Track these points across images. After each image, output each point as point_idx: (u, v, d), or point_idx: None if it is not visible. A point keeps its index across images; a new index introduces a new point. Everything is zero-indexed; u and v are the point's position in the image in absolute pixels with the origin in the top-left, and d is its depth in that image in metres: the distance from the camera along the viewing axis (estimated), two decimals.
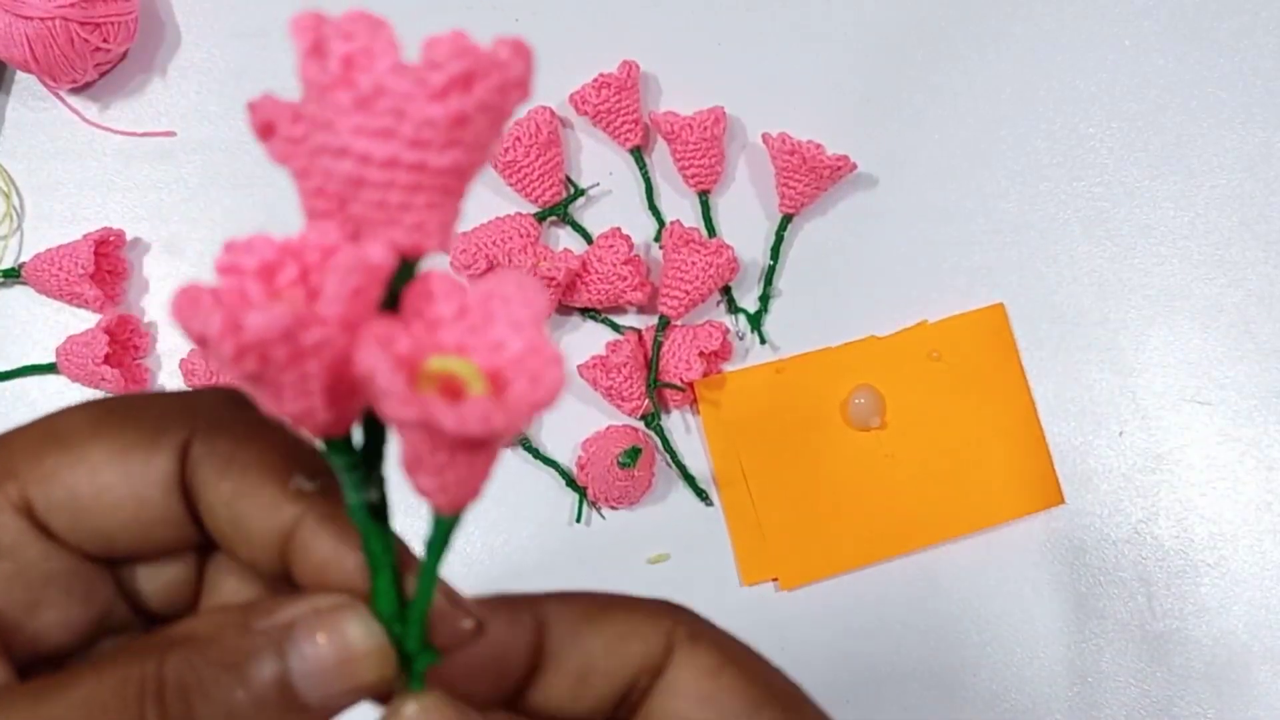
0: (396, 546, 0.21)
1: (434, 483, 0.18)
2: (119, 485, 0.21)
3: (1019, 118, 0.58)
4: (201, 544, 0.23)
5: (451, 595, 0.21)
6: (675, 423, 0.56)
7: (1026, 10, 0.59)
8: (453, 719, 0.20)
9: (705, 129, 0.55)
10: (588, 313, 0.57)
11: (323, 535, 0.21)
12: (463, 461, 0.18)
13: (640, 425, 0.56)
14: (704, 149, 0.56)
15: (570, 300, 0.55)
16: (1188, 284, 0.56)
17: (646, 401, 0.55)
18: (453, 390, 0.17)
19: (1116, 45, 0.58)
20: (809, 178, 0.55)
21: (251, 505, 0.21)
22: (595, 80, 0.56)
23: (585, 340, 0.56)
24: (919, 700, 0.53)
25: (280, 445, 0.22)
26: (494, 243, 0.54)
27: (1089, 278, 0.56)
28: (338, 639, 0.20)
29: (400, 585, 0.20)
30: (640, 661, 0.22)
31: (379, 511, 0.20)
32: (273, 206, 0.58)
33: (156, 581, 0.23)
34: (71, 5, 0.54)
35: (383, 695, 0.21)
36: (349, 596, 0.20)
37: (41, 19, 0.54)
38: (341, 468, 0.20)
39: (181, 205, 0.59)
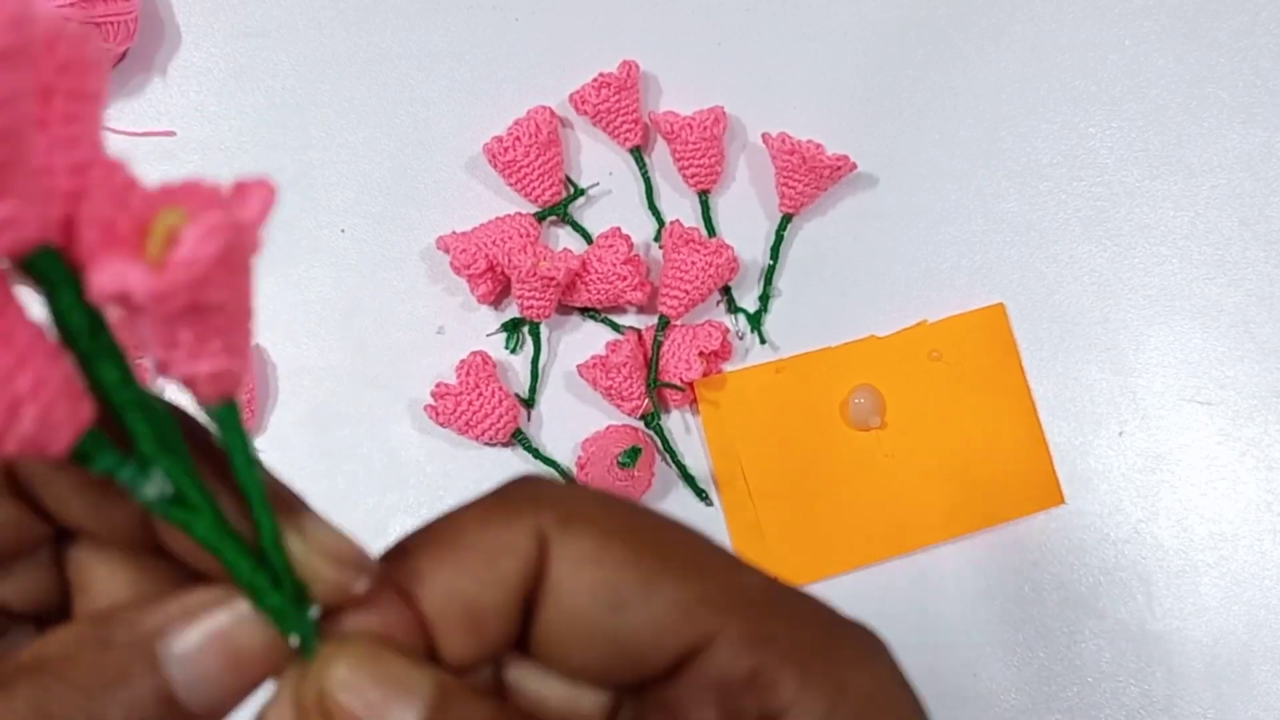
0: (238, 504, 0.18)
1: (192, 354, 0.16)
2: None
3: (1019, 118, 0.58)
4: (56, 534, 0.20)
5: (339, 552, 0.19)
6: (675, 423, 0.56)
7: (1026, 10, 0.59)
8: (379, 675, 0.18)
9: (705, 129, 0.55)
10: (588, 312, 0.57)
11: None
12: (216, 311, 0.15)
13: (640, 425, 0.56)
14: (704, 149, 0.56)
15: (570, 300, 0.55)
16: (1188, 284, 0.56)
17: (646, 401, 0.55)
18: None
19: (1116, 45, 0.58)
20: (809, 178, 0.55)
21: (110, 490, 0.19)
22: (595, 80, 0.56)
23: (585, 340, 0.56)
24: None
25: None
26: (494, 242, 0.54)
27: (1089, 278, 0.56)
28: (219, 638, 0.18)
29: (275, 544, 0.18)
30: (519, 578, 0.19)
31: (190, 483, 0.18)
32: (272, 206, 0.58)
33: (11, 585, 0.20)
34: (71, 5, 0.54)
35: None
36: (224, 588, 0.18)
37: None
38: (110, 470, 0.17)
39: None
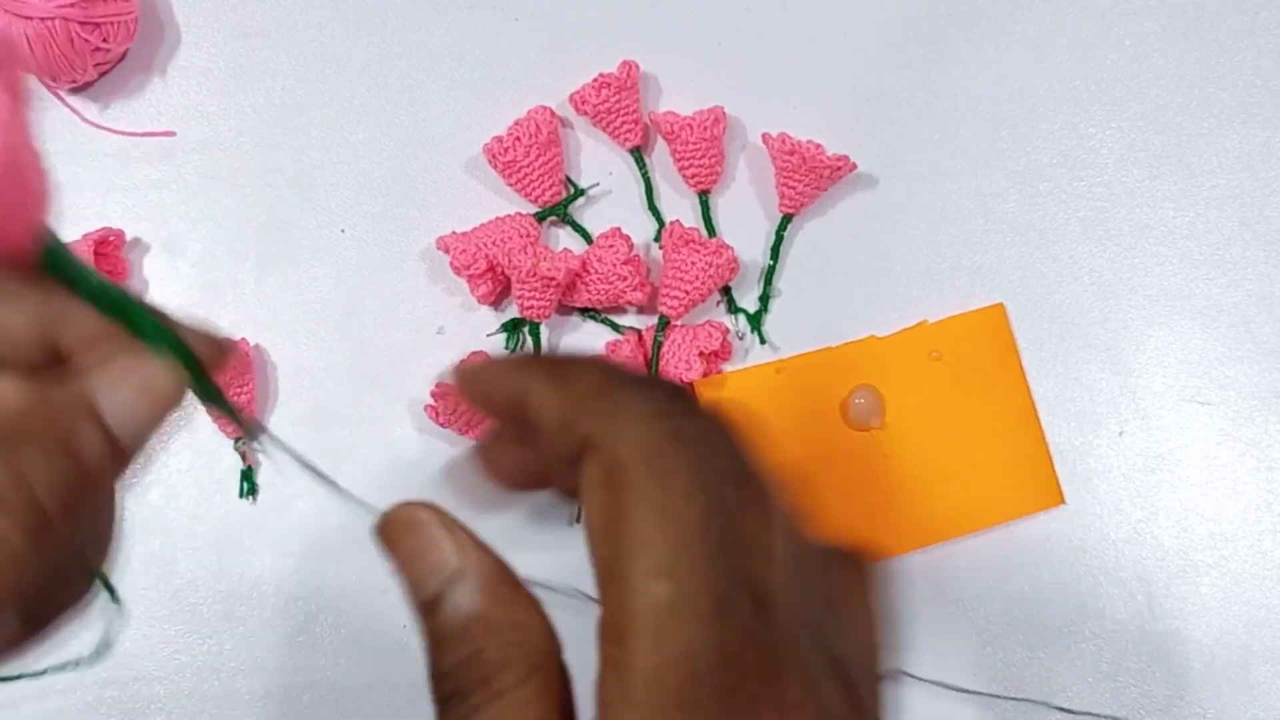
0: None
1: None
2: None
3: (1019, 118, 0.58)
4: None
5: (198, 330, 0.24)
6: None
7: (1026, 10, 0.59)
8: (441, 521, 0.24)
9: (705, 129, 0.55)
10: (588, 313, 0.57)
11: (81, 310, 0.23)
12: None
13: None
14: (704, 149, 0.56)
15: (570, 300, 0.55)
16: (1188, 284, 0.56)
17: None
18: None
19: (1116, 45, 0.58)
20: (809, 178, 0.55)
21: (3, 303, 0.23)
22: (595, 80, 0.56)
23: (585, 340, 0.56)
24: (919, 700, 0.53)
25: None
26: (494, 243, 0.54)
27: (1089, 278, 0.56)
28: (133, 370, 0.22)
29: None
30: (571, 453, 0.23)
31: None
32: (273, 206, 0.58)
33: None
34: (71, 5, 0.54)
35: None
36: (123, 346, 0.23)
37: (41, 19, 0.54)
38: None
39: (181, 205, 0.59)
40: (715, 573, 0.21)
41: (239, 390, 0.55)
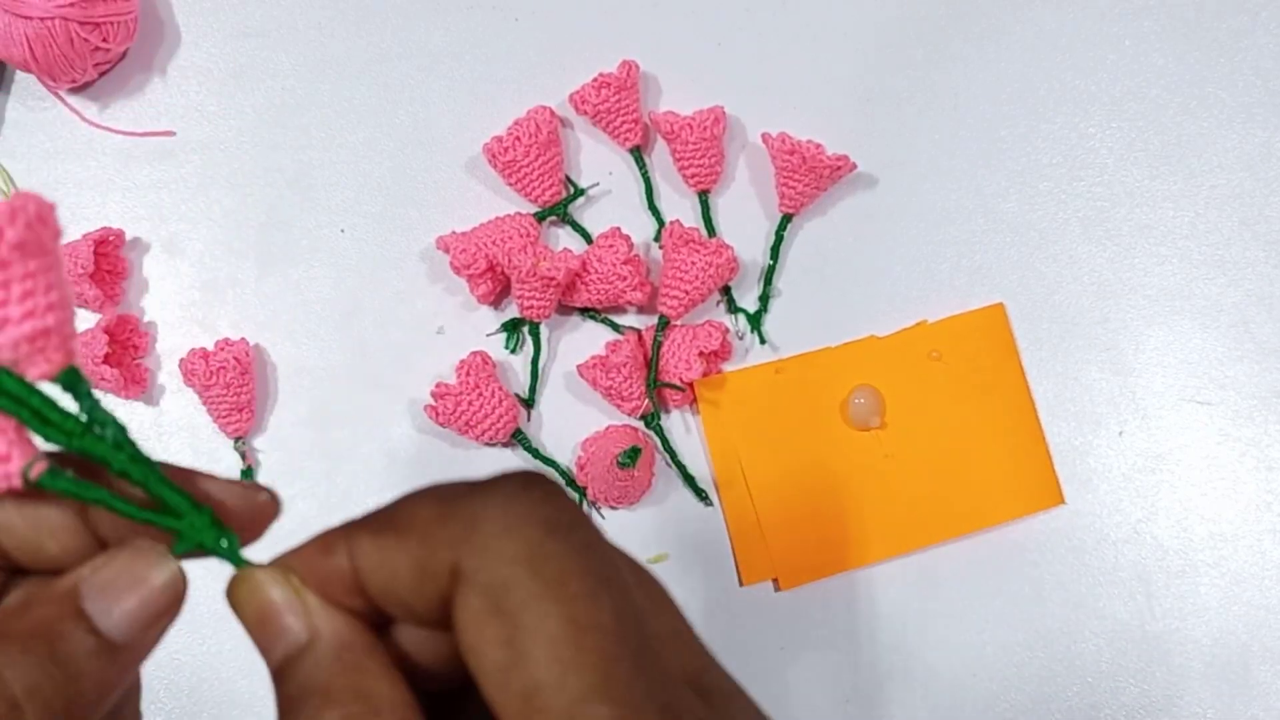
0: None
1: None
2: None
3: (1019, 118, 0.58)
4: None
5: (239, 483, 0.24)
6: (675, 423, 0.56)
7: (1026, 10, 0.59)
8: (287, 586, 0.22)
9: (705, 129, 0.55)
10: (588, 313, 0.57)
11: (65, 523, 0.23)
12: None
13: (640, 425, 0.56)
14: (704, 149, 0.56)
15: (570, 300, 0.55)
16: (1188, 284, 0.56)
17: (646, 401, 0.55)
18: None
19: (1116, 45, 0.58)
20: (809, 178, 0.55)
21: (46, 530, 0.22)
22: (595, 80, 0.56)
23: (585, 340, 0.56)
24: (919, 700, 0.53)
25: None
26: (493, 242, 0.54)
27: (1089, 278, 0.56)
28: (123, 571, 0.22)
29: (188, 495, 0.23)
30: (438, 599, 0.21)
31: (121, 445, 0.22)
32: (272, 206, 0.58)
33: None
34: (71, 5, 0.54)
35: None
36: (120, 547, 0.22)
37: (41, 19, 0.54)
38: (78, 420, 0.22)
39: (181, 205, 0.59)
40: (653, 678, 0.19)
41: (239, 390, 0.55)
